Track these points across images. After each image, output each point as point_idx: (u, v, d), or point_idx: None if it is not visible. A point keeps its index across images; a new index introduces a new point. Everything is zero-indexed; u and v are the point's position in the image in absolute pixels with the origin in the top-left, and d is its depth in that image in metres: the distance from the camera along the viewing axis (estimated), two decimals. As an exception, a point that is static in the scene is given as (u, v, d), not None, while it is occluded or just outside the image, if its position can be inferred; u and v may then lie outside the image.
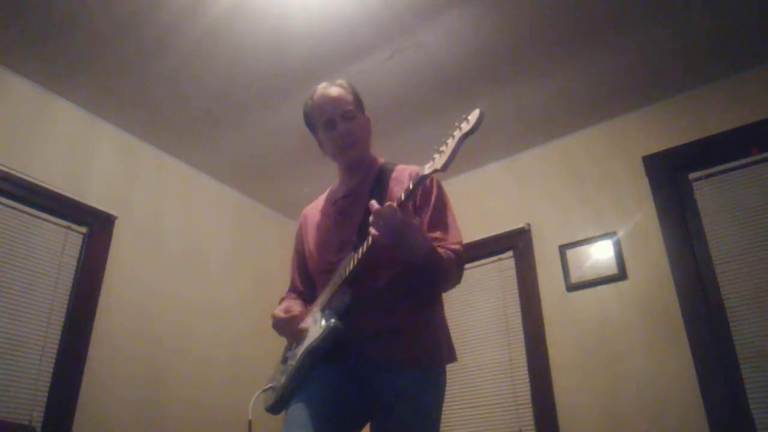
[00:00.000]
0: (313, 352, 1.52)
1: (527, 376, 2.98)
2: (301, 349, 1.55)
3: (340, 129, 1.67)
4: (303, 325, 1.61)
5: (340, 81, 1.74)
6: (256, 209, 3.99)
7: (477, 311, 3.25)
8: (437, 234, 1.56)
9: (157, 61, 2.79)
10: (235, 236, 3.76)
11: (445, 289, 1.64)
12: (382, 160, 1.78)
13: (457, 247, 1.56)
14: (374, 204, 1.39)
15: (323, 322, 1.51)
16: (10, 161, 2.72)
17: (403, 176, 1.64)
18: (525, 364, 3.01)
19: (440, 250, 1.51)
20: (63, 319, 2.75)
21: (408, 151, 2.93)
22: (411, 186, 1.40)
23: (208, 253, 3.53)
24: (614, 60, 2.82)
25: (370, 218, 1.39)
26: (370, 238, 1.43)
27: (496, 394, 3.05)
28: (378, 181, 1.67)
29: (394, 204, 1.37)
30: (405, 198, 1.41)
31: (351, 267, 1.50)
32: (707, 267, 2.71)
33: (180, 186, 3.52)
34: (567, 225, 3.17)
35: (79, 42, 2.67)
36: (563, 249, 3.11)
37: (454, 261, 1.54)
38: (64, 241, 2.86)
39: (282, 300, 1.80)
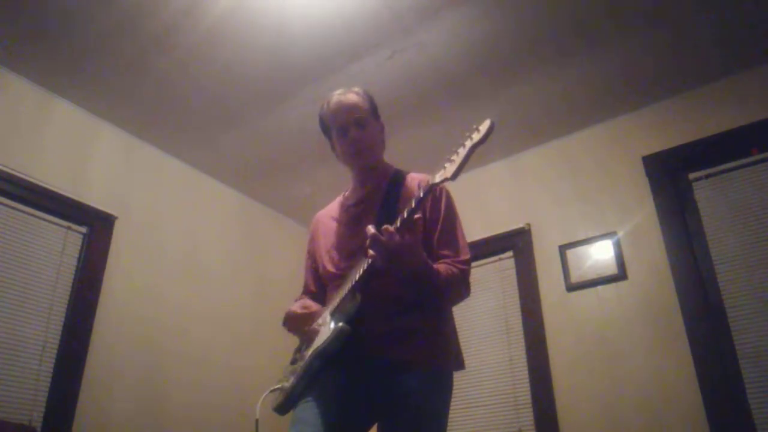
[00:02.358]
0: (322, 354, 1.53)
1: (527, 376, 2.98)
2: (309, 351, 1.57)
3: (352, 136, 1.69)
4: (314, 326, 1.62)
5: (356, 88, 1.76)
6: (256, 209, 3.98)
7: (477, 311, 3.25)
8: (446, 252, 1.59)
9: (157, 60, 2.79)
10: (235, 236, 3.76)
11: (450, 305, 1.66)
12: (393, 168, 1.80)
13: (464, 266, 1.58)
14: (370, 228, 1.41)
15: (332, 325, 1.53)
16: (10, 161, 2.72)
17: (413, 184, 1.66)
18: (525, 364, 3.01)
19: (443, 267, 1.53)
20: (63, 320, 2.75)
21: (408, 151, 2.93)
22: (421, 194, 1.42)
23: (208, 253, 3.53)
24: (614, 60, 2.82)
25: (367, 242, 1.41)
26: (367, 261, 1.47)
27: (496, 394, 3.05)
28: (390, 189, 1.69)
29: (391, 228, 1.40)
30: (408, 213, 1.43)
31: (360, 273, 1.52)
32: (707, 267, 2.71)
33: (180, 186, 3.52)
34: (567, 225, 3.17)
35: (79, 41, 2.67)
36: (563, 249, 3.11)
37: (460, 278, 1.56)
38: (64, 241, 2.86)
39: (296, 300, 1.80)
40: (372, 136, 1.73)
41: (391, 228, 1.40)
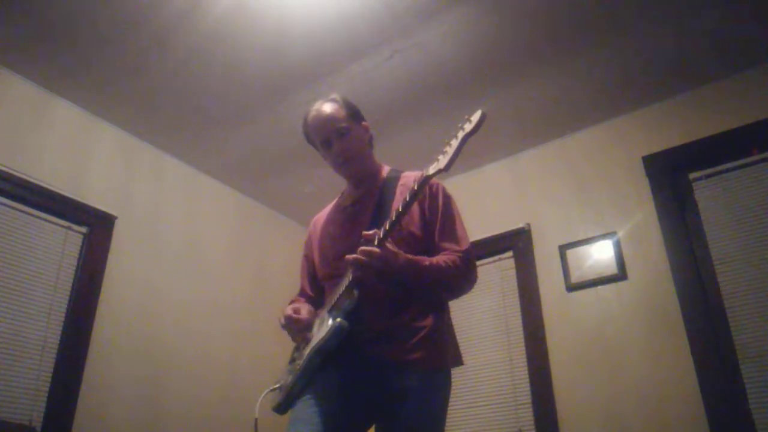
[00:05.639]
0: (320, 351, 1.54)
1: (527, 376, 2.98)
2: (308, 350, 1.57)
3: (336, 148, 1.71)
4: (308, 328, 1.63)
5: (332, 96, 1.77)
6: (256, 209, 3.99)
7: (477, 311, 3.25)
8: (447, 244, 1.61)
9: (158, 61, 2.79)
10: (234, 235, 3.76)
11: (454, 296, 1.67)
12: (387, 167, 1.81)
13: (465, 255, 1.61)
14: (349, 257, 1.45)
15: (329, 322, 1.53)
16: (10, 161, 2.72)
17: (409, 182, 1.67)
18: (525, 364, 3.01)
19: (443, 257, 1.56)
20: (63, 319, 2.75)
21: (407, 151, 2.94)
22: (416, 187, 1.44)
23: (208, 253, 3.53)
24: (614, 60, 2.82)
25: (350, 261, 1.45)
26: (351, 276, 1.50)
27: (496, 394, 3.05)
28: (385, 188, 1.71)
29: (372, 248, 1.43)
30: (404, 207, 1.46)
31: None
32: (707, 267, 2.71)
33: (180, 186, 3.52)
34: (567, 225, 3.17)
35: (79, 42, 2.67)
36: (563, 249, 3.11)
37: (461, 265, 1.58)
38: (64, 241, 2.86)
39: (291, 302, 1.81)
40: (357, 142, 1.74)
41: (372, 247, 1.43)
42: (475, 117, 1.36)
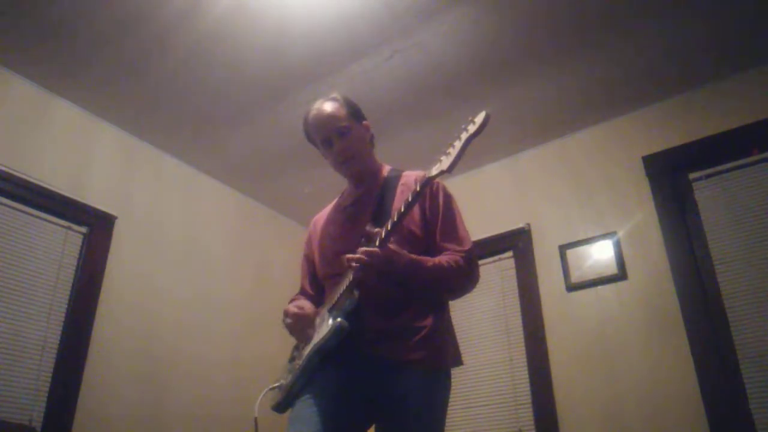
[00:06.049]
0: (320, 350, 1.54)
1: (527, 376, 2.98)
2: (308, 349, 1.58)
3: (337, 147, 1.71)
4: (311, 325, 1.63)
5: (333, 95, 1.77)
6: (256, 209, 3.99)
7: (477, 311, 3.25)
8: (448, 244, 1.61)
9: (158, 61, 2.79)
10: (235, 236, 3.76)
11: (456, 296, 1.68)
12: (388, 167, 1.81)
13: (467, 255, 1.61)
14: (347, 257, 1.46)
15: (330, 322, 1.53)
16: (10, 161, 2.72)
17: (410, 181, 1.67)
18: (525, 364, 3.01)
19: (444, 257, 1.56)
20: (63, 319, 2.75)
21: (407, 151, 2.94)
22: (418, 188, 1.45)
23: (208, 253, 3.53)
24: (614, 60, 2.82)
25: (351, 262, 1.45)
26: (351, 275, 1.50)
27: (496, 394, 3.05)
28: (385, 187, 1.71)
29: (373, 248, 1.43)
30: (406, 208, 1.46)
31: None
32: (707, 267, 2.71)
33: (180, 186, 3.52)
34: (567, 225, 3.17)
35: (79, 42, 2.67)
36: (563, 249, 3.11)
37: (463, 266, 1.58)
38: (64, 241, 2.86)
39: (292, 300, 1.81)
40: (357, 141, 1.73)
41: (374, 248, 1.43)
42: (479, 118, 1.36)
